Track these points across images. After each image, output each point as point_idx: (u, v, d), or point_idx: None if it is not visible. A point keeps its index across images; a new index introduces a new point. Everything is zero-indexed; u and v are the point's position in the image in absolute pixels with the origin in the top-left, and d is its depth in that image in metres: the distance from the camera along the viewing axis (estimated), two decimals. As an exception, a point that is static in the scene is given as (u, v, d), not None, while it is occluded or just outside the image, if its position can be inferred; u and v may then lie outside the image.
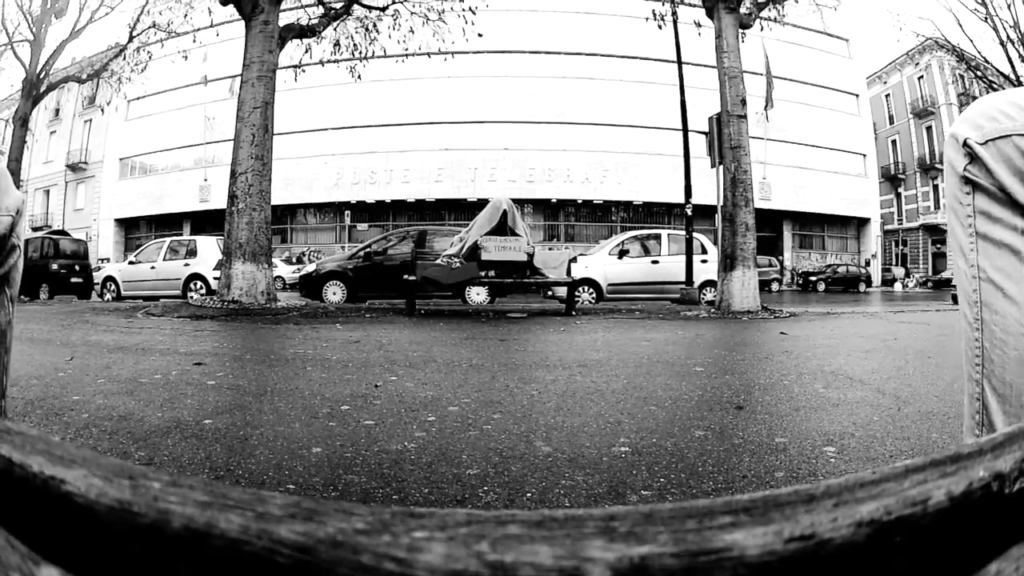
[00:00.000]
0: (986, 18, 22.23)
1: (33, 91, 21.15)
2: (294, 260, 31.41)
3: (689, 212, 15.10)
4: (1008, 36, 22.11)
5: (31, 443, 0.28)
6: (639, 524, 0.24)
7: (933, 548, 0.25)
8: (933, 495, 0.25)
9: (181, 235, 30.49)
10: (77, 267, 18.38)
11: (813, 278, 34.04)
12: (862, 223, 40.99)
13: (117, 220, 41.73)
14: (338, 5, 14.08)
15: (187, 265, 16.56)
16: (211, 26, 18.47)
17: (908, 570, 0.24)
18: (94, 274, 19.18)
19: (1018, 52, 22.17)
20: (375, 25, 15.05)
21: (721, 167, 11.39)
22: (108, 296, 17.45)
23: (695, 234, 14.80)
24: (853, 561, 0.24)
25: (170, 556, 0.24)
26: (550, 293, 13.67)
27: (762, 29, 13.51)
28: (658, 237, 15.64)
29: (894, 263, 46.16)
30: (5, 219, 0.98)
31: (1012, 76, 22.57)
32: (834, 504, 0.25)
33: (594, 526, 0.24)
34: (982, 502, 0.26)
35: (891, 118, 48.47)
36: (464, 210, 32.76)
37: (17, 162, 21.13)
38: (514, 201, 11.45)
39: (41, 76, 21.16)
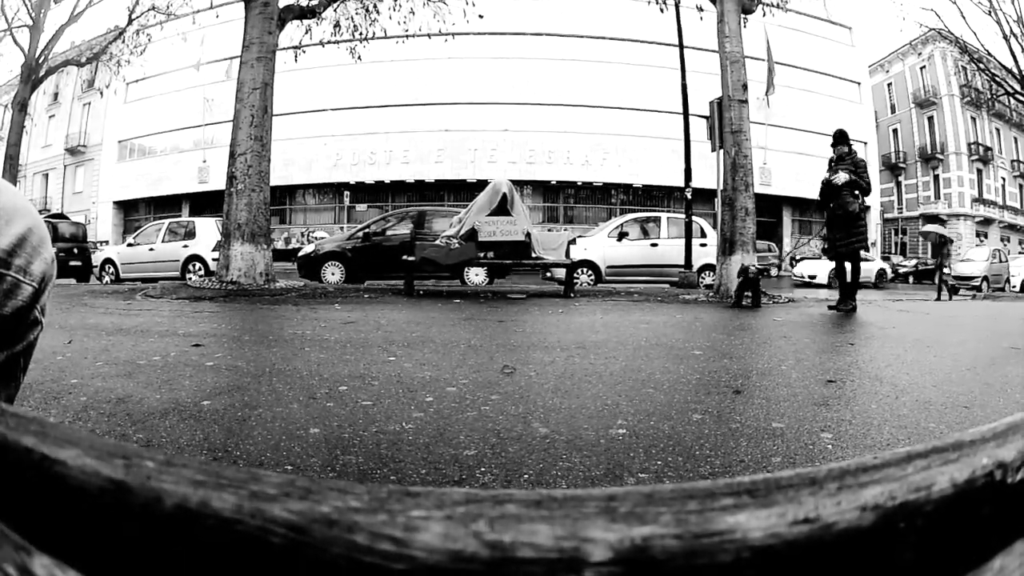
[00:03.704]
0: (989, 11, 22.16)
1: (32, 76, 21.05)
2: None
3: (689, 196, 15.09)
4: (1012, 30, 22.03)
5: (25, 424, 0.28)
6: (640, 505, 0.23)
7: (937, 537, 0.24)
8: (937, 481, 0.25)
9: (180, 217, 30.43)
10: (76, 250, 18.29)
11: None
12: (862, 211, 40.89)
13: (116, 203, 41.67)
14: (338, -15, 14.00)
15: (186, 247, 16.53)
16: (211, 7, 18.39)
17: (912, 558, 0.24)
18: (92, 256, 19.13)
19: (1021, 46, 22.09)
20: (375, 6, 14.93)
21: (721, 151, 11.35)
22: (107, 279, 17.42)
23: (695, 218, 14.80)
24: (857, 546, 0.23)
25: (163, 536, 0.23)
26: (549, 275, 13.67)
27: (764, 15, 13.41)
28: (657, 220, 15.66)
29: (893, 251, 46.16)
30: (27, 288, 0.81)
31: (1016, 70, 22.51)
32: (838, 487, 0.24)
33: (594, 506, 0.23)
34: (985, 491, 0.25)
35: (893, 107, 48.28)
36: (464, 191, 32.71)
37: (16, 147, 21.06)
38: (514, 182, 11.44)
39: (40, 61, 21.06)
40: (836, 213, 9.06)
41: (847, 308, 8.80)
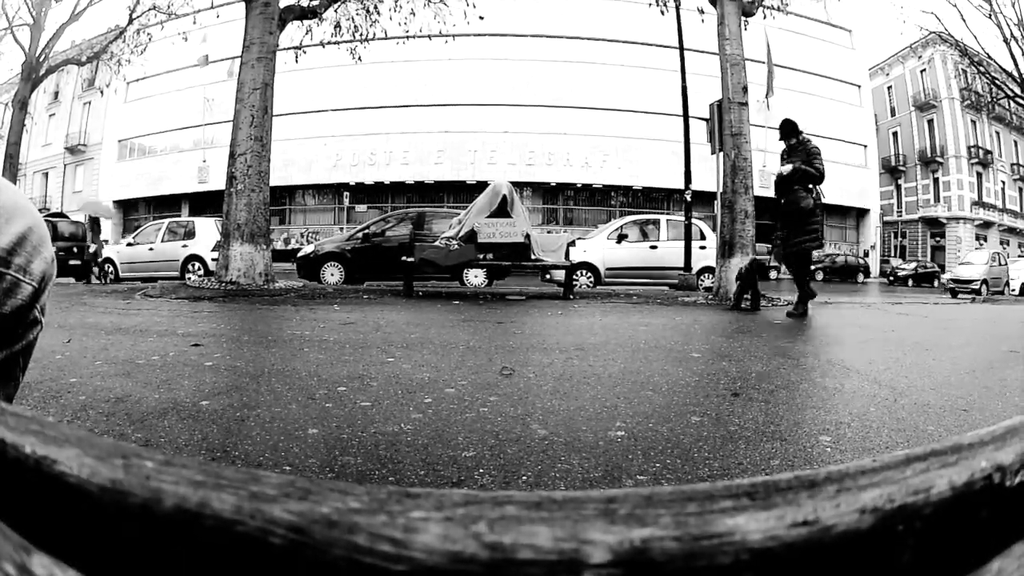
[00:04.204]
0: (990, 15, 22.19)
1: (32, 74, 21.10)
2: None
3: (688, 198, 15.09)
4: (1012, 34, 22.07)
5: (24, 424, 0.28)
6: (640, 507, 0.23)
7: (935, 540, 0.24)
8: (935, 484, 0.25)
9: (179, 216, 30.41)
10: (75, 249, 18.30)
11: (812, 267, 32.96)
12: (861, 214, 41.00)
13: (116, 202, 41.60)
14: (339, -14, 14.01)
15: (185, 246, 16.55)
16: (211, 7, 18.37)
17: (910, 561, 0.24)
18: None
19: (1021, 49, 22.12)
20: (376, 7, 14.94)
21: (721, 154, 11.36)
22: (106, 278, 17.43)
23: (694, 220, 14.81)
24: (856, 549, 0.23)
25: (163, 537, 0.23)
26: (548, 276, 13.66)
27: (765, 17, 13.42)
28: (657, 222, 15.64)
29: (893, 254, 46.20)
30: (27, 287, 0.81)
31: (1016, 74, 22.52)
32: (836, 490, 0.24)
33: (594, 508, 0.23)
34: (984, 494, 0.25)
35: (893, 110, 48.38)
36: (463, 192, 32.72)
37: (16, 145, 21.10)
38: (513, 184, 11.46)
39: (40, 59, 21.11)
40: (787, 210, 8.46)
41: (798, 313, 8.36)
